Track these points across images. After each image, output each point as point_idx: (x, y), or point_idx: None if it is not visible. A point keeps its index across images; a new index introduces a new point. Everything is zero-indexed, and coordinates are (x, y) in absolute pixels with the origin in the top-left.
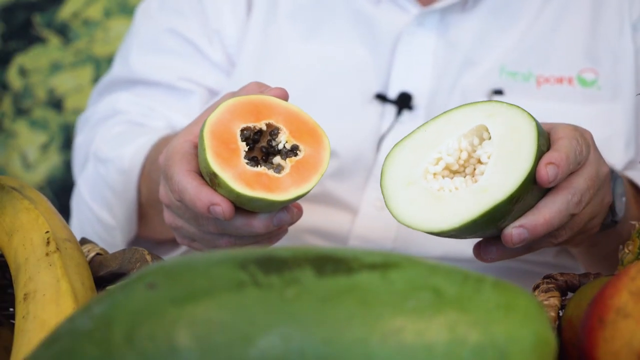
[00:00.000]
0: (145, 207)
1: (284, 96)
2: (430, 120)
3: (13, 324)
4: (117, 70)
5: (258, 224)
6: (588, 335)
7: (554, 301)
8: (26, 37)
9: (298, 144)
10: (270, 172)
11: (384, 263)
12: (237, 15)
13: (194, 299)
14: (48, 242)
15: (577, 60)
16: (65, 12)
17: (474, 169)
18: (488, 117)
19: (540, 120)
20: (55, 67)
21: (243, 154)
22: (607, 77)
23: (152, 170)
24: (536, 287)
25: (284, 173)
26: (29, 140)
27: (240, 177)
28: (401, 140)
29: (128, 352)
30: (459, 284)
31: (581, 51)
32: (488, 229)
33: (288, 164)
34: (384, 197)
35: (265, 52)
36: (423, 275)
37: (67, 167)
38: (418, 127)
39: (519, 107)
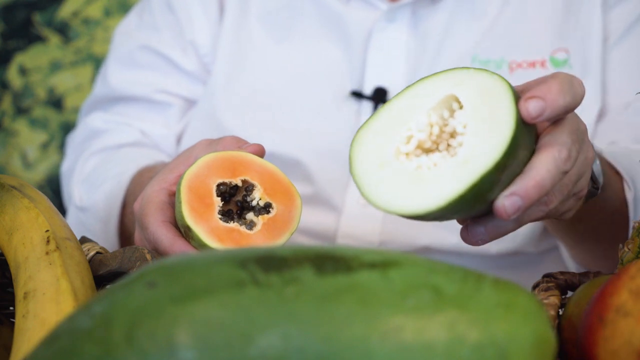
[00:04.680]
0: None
1: (261, 152)
2: (393, 98)
3: (13, 323)
4: (97, 89)
5: None
6: (588, 333)
7: (554, 300)
8: (26, 36)
9: (271, 201)
10: (243, 228)
11: (384, 262)
12: (210, 23)
13: (194, 298)
14: (48, 241)
15: (549, 41)
16: (65, 11)
17: (449, 143)
18: (456, 85)
19: None
20: (55, 66)
21: (217, 209)
22: (577, 54)
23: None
24: (536, 286)
25: (255, 230)
26: (29, 139)
27: (213, 232)
28: (365, 122)
29: (128, 351)
30: (458, 283)
31: (553, 31)
32: (476, 205)
33: (260, 221)
34: (357, 185)
35: (238, 58)
36: (423, 273)
37: None
38: (381, 106)
39: (487, 70)
